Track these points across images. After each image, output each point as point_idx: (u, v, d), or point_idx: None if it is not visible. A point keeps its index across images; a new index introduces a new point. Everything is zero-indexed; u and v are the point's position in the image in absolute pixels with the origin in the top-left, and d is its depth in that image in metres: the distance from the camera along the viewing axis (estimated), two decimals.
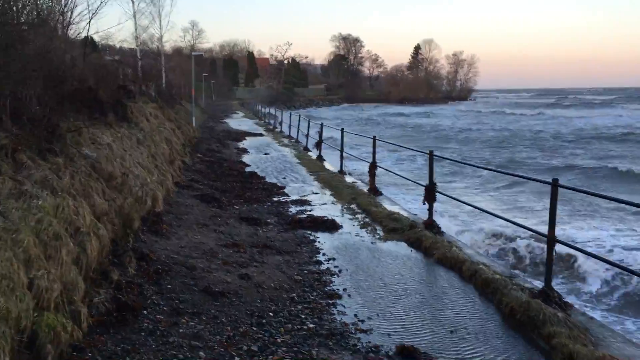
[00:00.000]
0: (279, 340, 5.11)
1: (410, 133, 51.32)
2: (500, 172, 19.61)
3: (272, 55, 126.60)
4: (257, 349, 4.89)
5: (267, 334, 5.21)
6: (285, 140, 25.84)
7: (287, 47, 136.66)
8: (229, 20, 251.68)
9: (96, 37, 32.00)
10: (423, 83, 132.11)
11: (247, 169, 16.63)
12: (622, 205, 8.72)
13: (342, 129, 16.13)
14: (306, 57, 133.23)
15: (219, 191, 12.50)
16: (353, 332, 5.44)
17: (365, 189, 13.04)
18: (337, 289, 6.64)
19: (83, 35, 16.17)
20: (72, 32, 14.57)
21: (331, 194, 12.67)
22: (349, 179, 14.79)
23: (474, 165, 14.71)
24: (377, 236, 9.10)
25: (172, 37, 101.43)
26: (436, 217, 9.54)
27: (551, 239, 6.05)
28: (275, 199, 12.12)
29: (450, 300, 6.38)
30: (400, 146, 13.97)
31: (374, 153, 13.04)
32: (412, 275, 7.26)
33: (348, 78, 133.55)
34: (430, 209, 9.40)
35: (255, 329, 5.32)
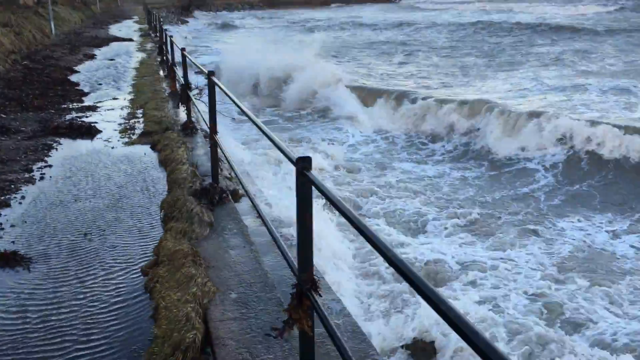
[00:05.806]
0: None
1: None
2: None
3: None
4: None
5: None
6: (149, 46, 24.42)
7: None
8: None
9: None
10: None
11: (72, 77, 15.54)
12: None
13: (170, 33, 15.19)
14: None
15: (5, 99, 11.59)
16: None
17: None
18: (15, 197, 6.23)
19: None
20: None
21: (129, 99, 12.00)
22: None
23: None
24: (126, 141, 8.65)
25: None
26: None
27: (212, 139, 5.78)
28: (63, 106, 11.35)
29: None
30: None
31: (172, 53, 12.33)
32: (121, 178, 6.91)
33: None
34: (188, 110, 8.97)
35: None
